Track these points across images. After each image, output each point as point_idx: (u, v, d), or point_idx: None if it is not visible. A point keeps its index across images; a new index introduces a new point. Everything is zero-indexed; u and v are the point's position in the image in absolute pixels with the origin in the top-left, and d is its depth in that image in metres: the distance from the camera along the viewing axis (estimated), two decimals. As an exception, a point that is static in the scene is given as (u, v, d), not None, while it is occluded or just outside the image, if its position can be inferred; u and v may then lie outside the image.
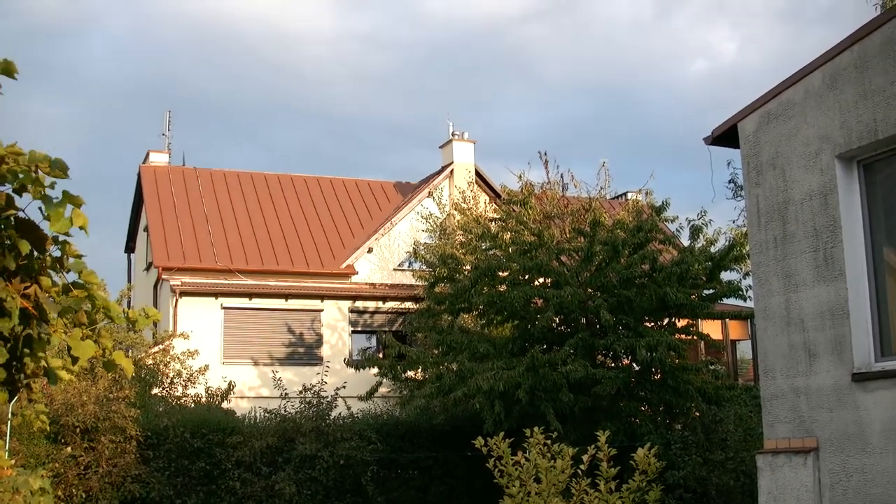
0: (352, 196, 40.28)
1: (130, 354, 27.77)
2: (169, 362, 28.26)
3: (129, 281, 40.86)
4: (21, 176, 4.34)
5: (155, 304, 35.41)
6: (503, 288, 24.80)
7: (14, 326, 4.47)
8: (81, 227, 4.51)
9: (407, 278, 35.65)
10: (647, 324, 24.68)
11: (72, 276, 4.76)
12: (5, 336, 4.49)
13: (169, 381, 27.24)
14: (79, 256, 4.65)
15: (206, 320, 32.40)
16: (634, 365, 24.15)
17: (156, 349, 29.28)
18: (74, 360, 4.71)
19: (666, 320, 25.08)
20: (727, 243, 25.85)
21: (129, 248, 42.79)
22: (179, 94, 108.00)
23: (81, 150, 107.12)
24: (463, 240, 30.13)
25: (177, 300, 32.26)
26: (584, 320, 24.66)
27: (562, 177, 33.50)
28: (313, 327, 33.92)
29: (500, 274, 24.90)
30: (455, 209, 34.04)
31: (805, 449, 12.57)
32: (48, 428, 5.48)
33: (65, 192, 4.43)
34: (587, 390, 23.07)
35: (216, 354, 31.95)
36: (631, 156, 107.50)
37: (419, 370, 27.07)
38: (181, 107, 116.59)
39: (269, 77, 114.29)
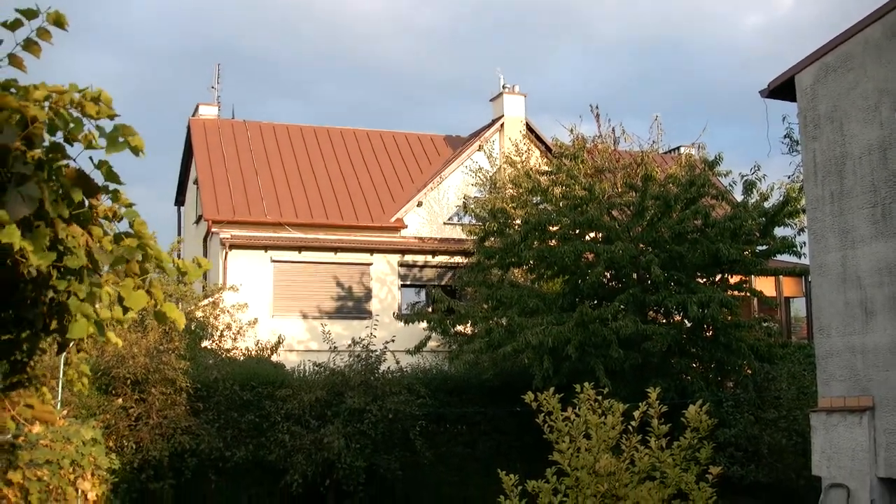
0: (401, 149, 39.44)
1: (180, 307, 27.20)
2: (218, 315, 28.20)
3: (179, 234, 40.37)
4: (70, 123, 4.30)
5: (205, 257, 35.12)
6: (554, 243, 24.59)
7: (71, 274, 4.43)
8: (137, 149, 4.47)
9: (457, 233, 34.96)
10: (700, 280, 24.40)
11: (123, 226, 4.75)
12: (55, 289, 4.44)
13: (219, 333, 27.22)
14: (130, 205, 4.61)
15: (256, 273, 31.90)
16: (686, 321, 23.94)
17: (206, 302, 29.05)
18: (126, 310, 4.67)
19: (718, 276, 24.74)
20: (781, 198, 25.39)
21: (179, 201, 42.38)
22: (229, 49, 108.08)
23: (130, 105, 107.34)
24: (513, 194, 29.72)
25: (226, 253, 31.76)
26: (635, 276, 24.43)
27: (613, 130, 33.28)
28: (362, 281, 33.43)
29: (551, 228, 24.64)
30: (506, 162, 33.55)
31: (860, 408, 12.39)
32: (86, 391, 5.56)
33: (116, 125, 4.39)
34: (637, 346, 22.89)
35: (265, 308, 31.60)
36: (684, 111, 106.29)
37: (468, 325, 26.79)
38: (231, 62, 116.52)
39: (318, 32, 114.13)
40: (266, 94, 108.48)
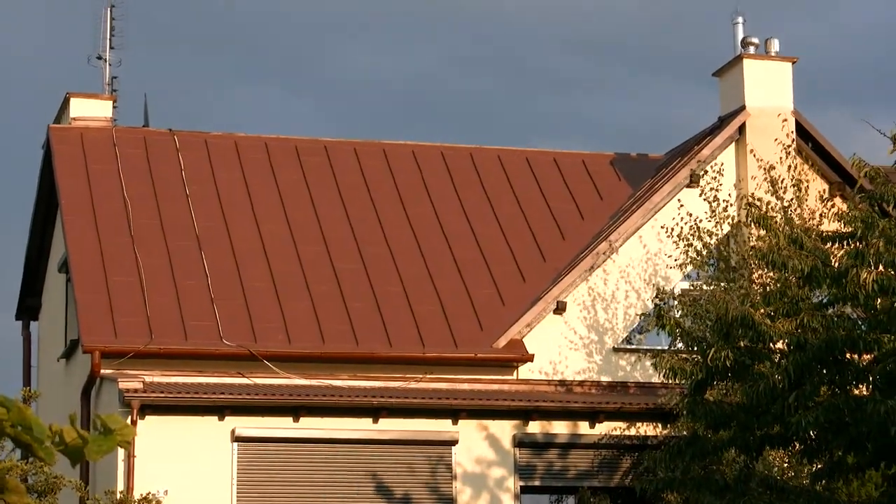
0: (516, 186, 25.24)
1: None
2: (119, 562, 19.29)
3: (29, 381, 25.72)
4: None
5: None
6: (861, 390, 16.82)
7: None
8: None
9: (640, 370, 22.73)
10: None
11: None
12: None
13: None
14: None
15: (200, 467, 20.58)
16: None
17: (87, 533, 18.90)
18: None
19: None
20: None
21: (26, 310, 27.16)
22: None
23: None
24: (767, 282, 20.38)
25: (134, 422, 20.01)
26: None
27: None
28: (437, 480, 21.54)
29: (853, 358, 16.59)
30: (750, 215, 20.89)
31: None
32: None
33: None
34: None
35: (224, 542, 20.78)
36: None
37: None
38: (139, 14, 60.20)
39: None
40: (220, 75, 61.16)
